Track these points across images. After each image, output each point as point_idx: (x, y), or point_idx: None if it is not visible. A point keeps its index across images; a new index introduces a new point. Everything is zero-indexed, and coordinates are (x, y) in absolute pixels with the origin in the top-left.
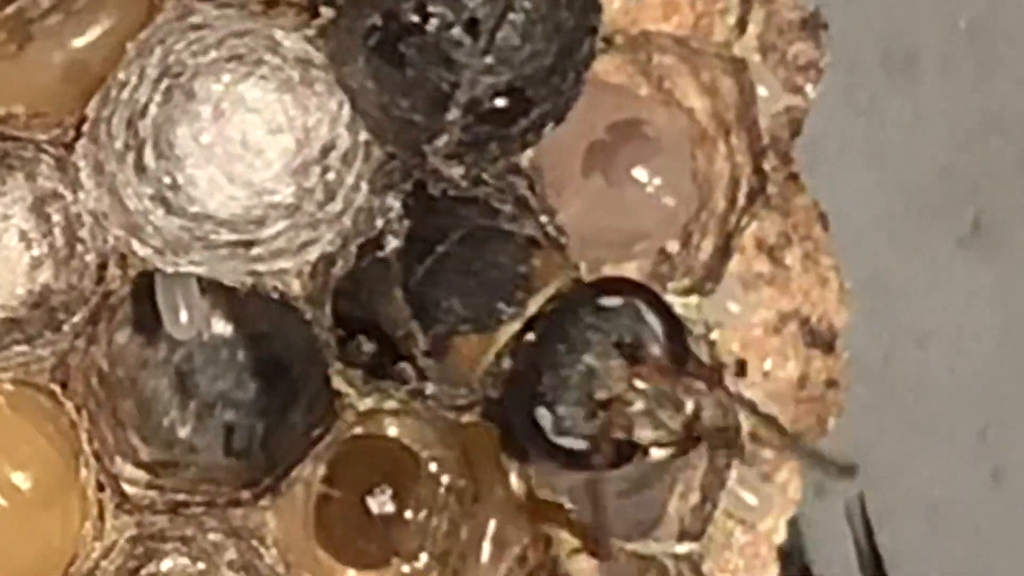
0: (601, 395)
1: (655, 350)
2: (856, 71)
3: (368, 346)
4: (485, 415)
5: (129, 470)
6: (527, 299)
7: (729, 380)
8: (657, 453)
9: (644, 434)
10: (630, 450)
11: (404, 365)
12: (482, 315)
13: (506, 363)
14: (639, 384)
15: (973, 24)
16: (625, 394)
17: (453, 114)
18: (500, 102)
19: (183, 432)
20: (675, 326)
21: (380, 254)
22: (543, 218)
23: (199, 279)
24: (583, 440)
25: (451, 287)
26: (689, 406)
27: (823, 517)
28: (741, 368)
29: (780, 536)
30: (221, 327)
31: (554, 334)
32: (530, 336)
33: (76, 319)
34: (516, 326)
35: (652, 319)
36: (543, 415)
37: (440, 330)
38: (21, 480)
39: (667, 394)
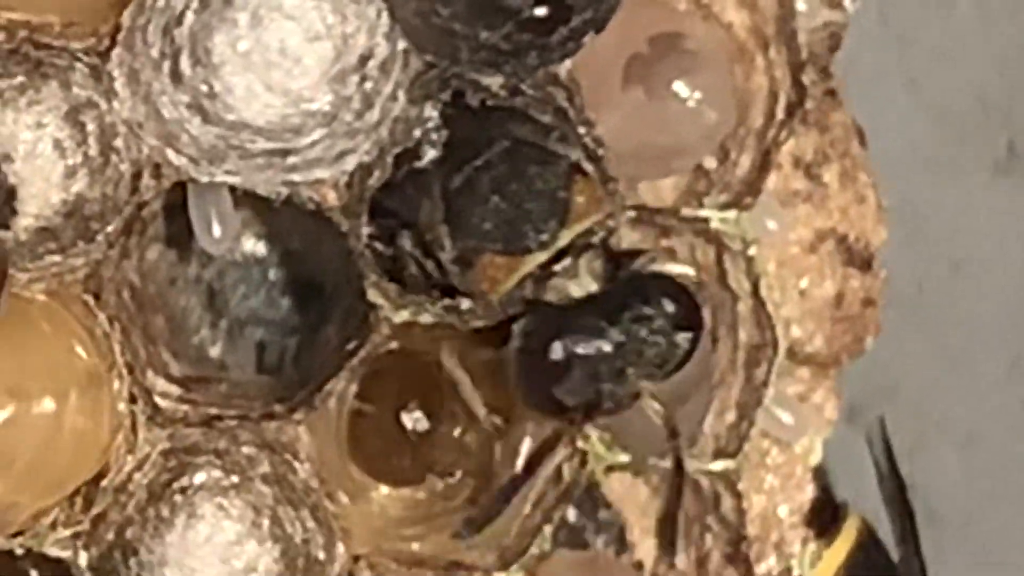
0: (607, 388)
1: (669, 367)
2: None
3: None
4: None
5: (161, 384)
6: (559, 231)
7: None
8: None
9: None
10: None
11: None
12: (513, 239)
13: (527, 289)
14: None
15: None
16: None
17: None
18: (540, 11)
19: (214, 350)
20: (695, 344)
21: (417, 164)
22: (581, 129)
23: (233, 191)
24: (571, 398)
25: (487, 204)
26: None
27: (853, 444)
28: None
29: (816, 457)
30: (253, 244)
31: (611, 308)
32: (567, 267)
33: (109, 229)
34: (543, 257)
35: (685, 341)
36: (556, 350)
37: (469, 244)
38: (47, 388)
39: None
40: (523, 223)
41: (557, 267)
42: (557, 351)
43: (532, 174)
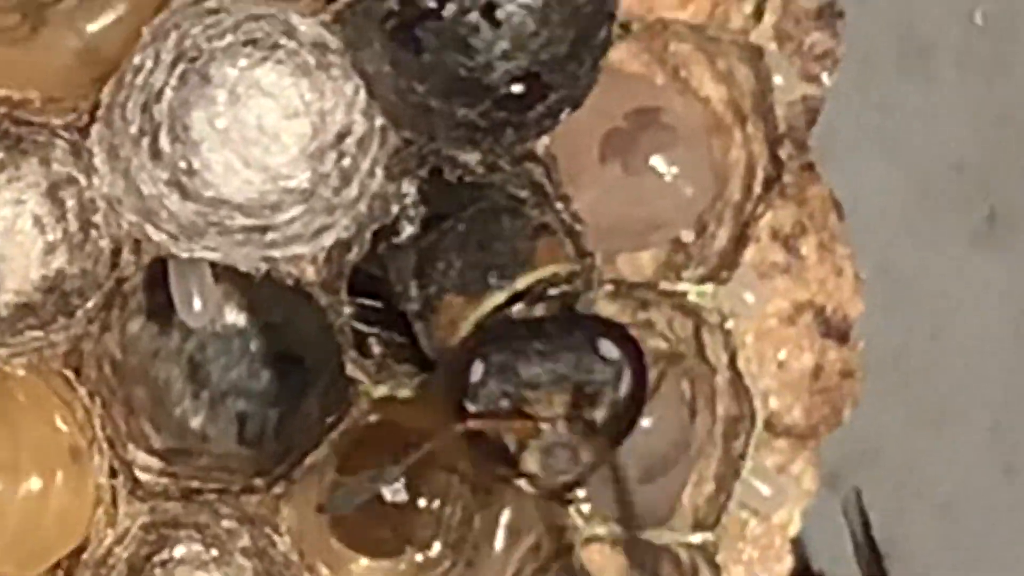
0: (529, 407)
1: (599, 414)
2: (871, 64)
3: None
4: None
5: (142, 457)
6: (517, 274)
7: None
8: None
9: (527, 462)
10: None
11: (371, 340)
12: (472, 281)
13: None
14: (557, 425)
15: (989, 18)
16: (543, 423)
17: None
18: (516, 88)
19: (195, 422)
20: (637, 403)
21: (395, 240)
22: (558, 205)
23: (213, 266)
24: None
25: (452, 252)
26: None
27: (832, 510)
28: None
29: (795, 527)
30: (234, 316)
31: (543, 331)
32: (522, 311)
33: (90, 304)
34: (501, 298)
35: (624, 390)
36: (476, 370)
37: (432, 290)
38: (36, 466)
39: (568, 447)
40: (485, 267)
41: (512, 310)
42: (477, 369)
43: (499, 226)
